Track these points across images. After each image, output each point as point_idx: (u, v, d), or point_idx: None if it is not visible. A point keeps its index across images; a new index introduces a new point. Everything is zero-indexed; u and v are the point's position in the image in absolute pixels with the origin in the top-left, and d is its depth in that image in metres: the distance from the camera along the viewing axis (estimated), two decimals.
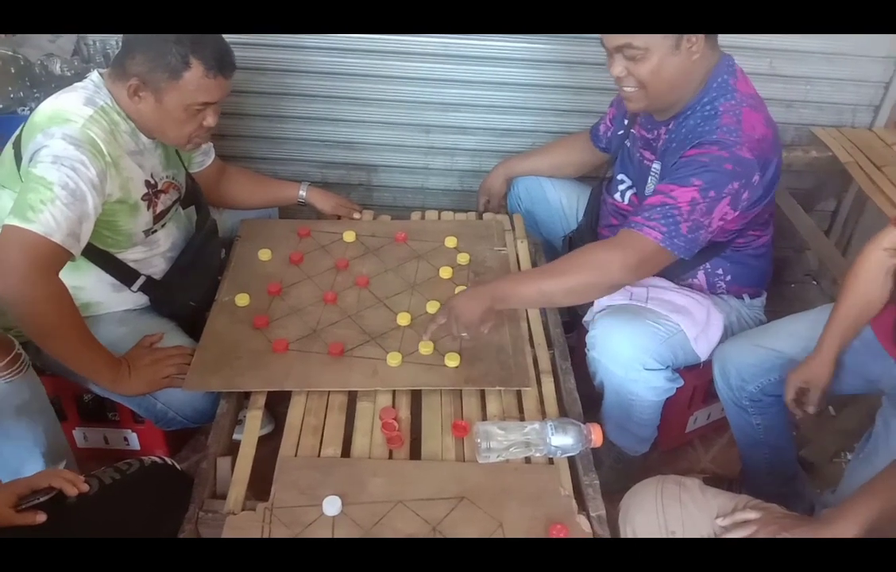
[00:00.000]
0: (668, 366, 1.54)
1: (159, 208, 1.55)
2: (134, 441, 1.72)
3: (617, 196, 1.69)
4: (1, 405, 1.30)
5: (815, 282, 2.45)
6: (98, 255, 1.48)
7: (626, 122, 1.70)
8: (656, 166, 1.55)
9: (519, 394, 1.44)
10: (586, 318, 1.64)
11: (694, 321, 1.54)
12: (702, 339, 1.54)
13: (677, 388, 1.57)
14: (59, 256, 1.30)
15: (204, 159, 1.78)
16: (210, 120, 1.47)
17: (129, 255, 1.54)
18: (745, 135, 1.38)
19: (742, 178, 1.38)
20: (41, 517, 1.08)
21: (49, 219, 1.26)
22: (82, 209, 1.31)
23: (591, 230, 1.76)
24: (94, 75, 1.45)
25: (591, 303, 1.62)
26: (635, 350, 1.49)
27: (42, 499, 1.10)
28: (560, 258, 1.50)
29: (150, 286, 1.57)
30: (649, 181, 1.57)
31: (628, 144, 1.68)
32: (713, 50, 1.44)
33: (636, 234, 1.38)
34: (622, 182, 1.69)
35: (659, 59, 1.38)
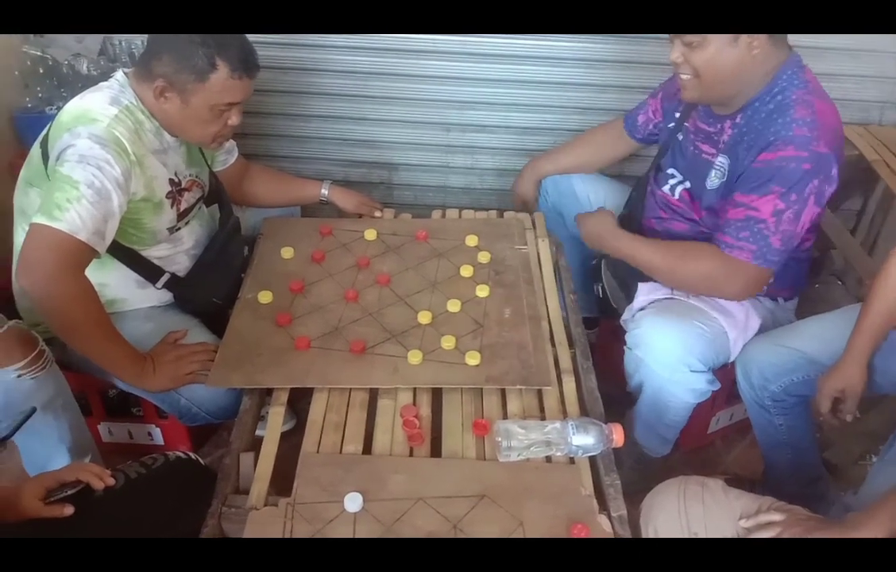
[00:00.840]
0: (709, 369, 1.52)
1: (183, 206, 1.57)
2: (158, 436, 1.74)
3: (666, 189, 1.68)
4: (27, 401, 1.32)
5: (840, 282, 2.42)
6: (123, 253, 1.50)
7: (677, 114, 1.68)
8: (722, 160, 1.52)
9: (540, 393, 1.44)
10: (625, 317, 1.62)
11: (735, 322, 1.52)
12: (740, 341, 1.53)
13: (713, 391, 1.55)
14: (85, 254, 1.32)
15: (227, 158, 1.80)
16: (234, 119, 1.49)
17: (154, 253, 1.55)
18: (822, 126, 1.36)
19: (821, 174, 1.36)
20: (69, 510, 1.10)
21: (75, 217, 1.28)
22: (107, 207, 1.33)
23: (636, 221, 1.74)
24: (119, 75, 1.46)
25: (631, 299, 1.61)
26: (683, 351, 1.46)
27: (70, 492, 1.12)
28: (678, 248, 1.54)
29: (174, 283, 1.59)
30: (712, 174, 1.54)
31: (680, 138, 1.66)
32: (779, 47, 1.41)
33: (731, 259, 1.42)
34: (672, 176, 1.67)
35: (716, 50, 1.37)
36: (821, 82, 2.19)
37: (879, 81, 2.21)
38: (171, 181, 1.52)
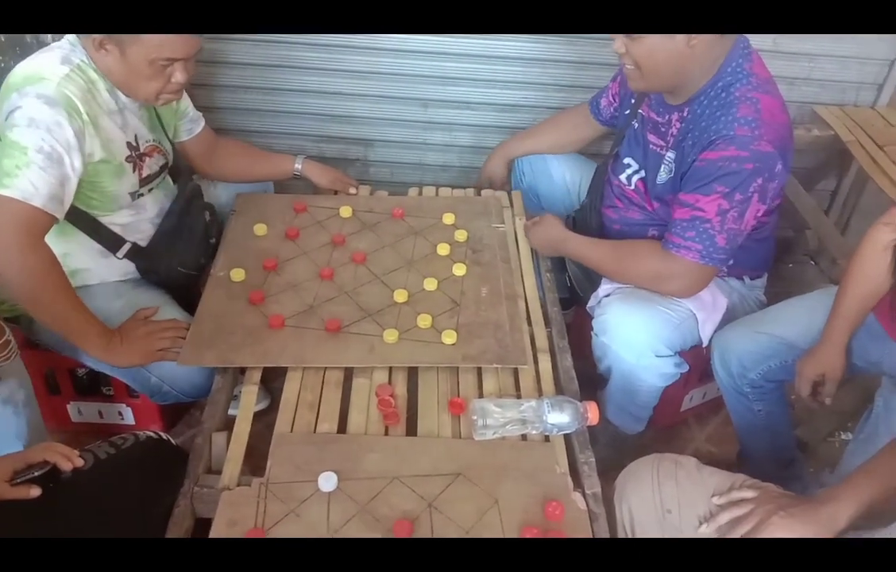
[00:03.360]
0: (676, 352, 1.53)
1: (145, 172, 1.53)
2: (129, 415, 1.72)
3: (623, 177, 1.67)
4: None
5: (813, 262, 2.45)
6: (83, 220, 1.47)
7: (632, 101, 1.66)
8: (670, 155, 1.51)
9: (516, 372, 1.44)
10: (591, 304, 1.62)
11: (702, 304, 1.52)
12: (708, 323, 1.54)
13: (681, 373, 1.57)
14: (42, 220, 1.28)
15: (192, 127, 1.75)
16: (179, 76, 1.43)
17: (115, 219, 1.52)
18: (765, 124, 1.35)
19: (765, 173, 1.36)
20: (35, 491, 1.07)
21: (27, 184, 1.25)
22: (61, 171, 1.29)
23: (594, 210, 1.74)
24: (71, 35, 1.41)
25: (596, 287, 1.61)
26: (649, 337, 1.47)
27: (37, 474, 1.09)
28: (624, 248, 1.56)
29: (135, 253, 1.56)
30: (662, 169, 1.54)
31: (636, 125, 1.64)
32: (721, 37, 1.38)
33: (678, 259, 1.43)
34: (629, 165, 1.66)
35: (653, 43, 1.35)
36: (801, 63, 2.21)
37: (857, 62, 2.22)
38: (129, 144, 1.48)
